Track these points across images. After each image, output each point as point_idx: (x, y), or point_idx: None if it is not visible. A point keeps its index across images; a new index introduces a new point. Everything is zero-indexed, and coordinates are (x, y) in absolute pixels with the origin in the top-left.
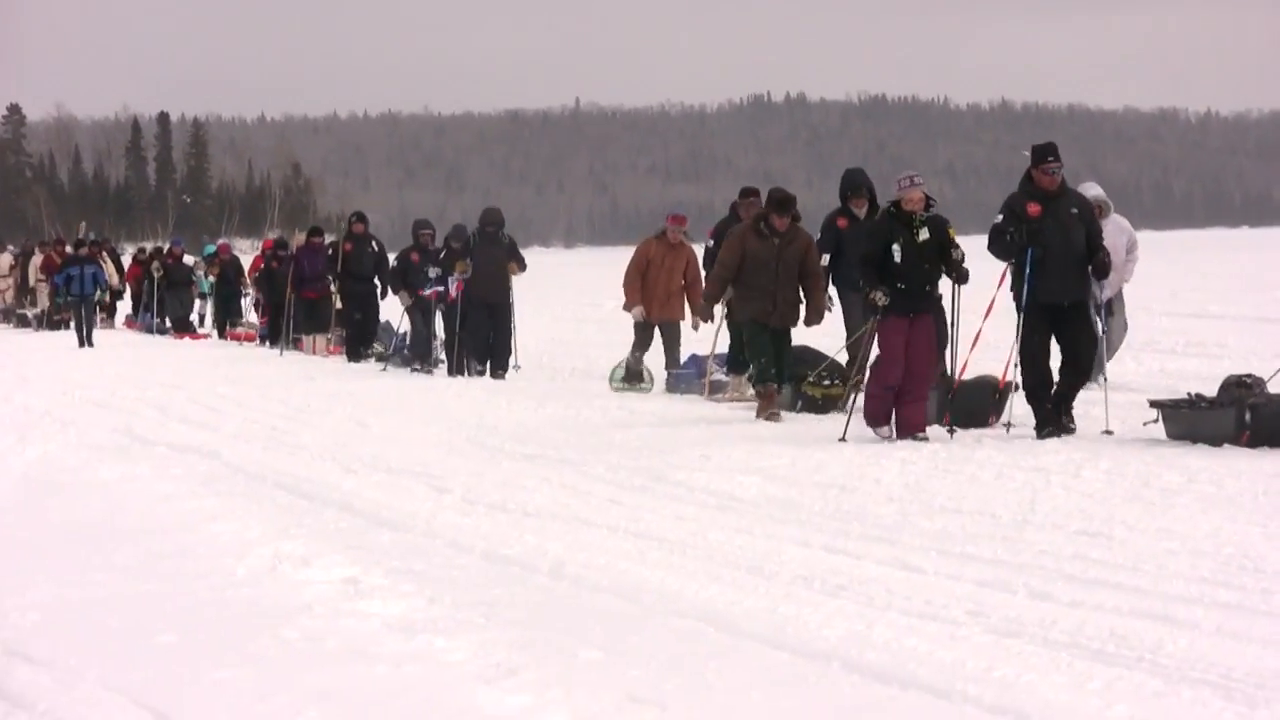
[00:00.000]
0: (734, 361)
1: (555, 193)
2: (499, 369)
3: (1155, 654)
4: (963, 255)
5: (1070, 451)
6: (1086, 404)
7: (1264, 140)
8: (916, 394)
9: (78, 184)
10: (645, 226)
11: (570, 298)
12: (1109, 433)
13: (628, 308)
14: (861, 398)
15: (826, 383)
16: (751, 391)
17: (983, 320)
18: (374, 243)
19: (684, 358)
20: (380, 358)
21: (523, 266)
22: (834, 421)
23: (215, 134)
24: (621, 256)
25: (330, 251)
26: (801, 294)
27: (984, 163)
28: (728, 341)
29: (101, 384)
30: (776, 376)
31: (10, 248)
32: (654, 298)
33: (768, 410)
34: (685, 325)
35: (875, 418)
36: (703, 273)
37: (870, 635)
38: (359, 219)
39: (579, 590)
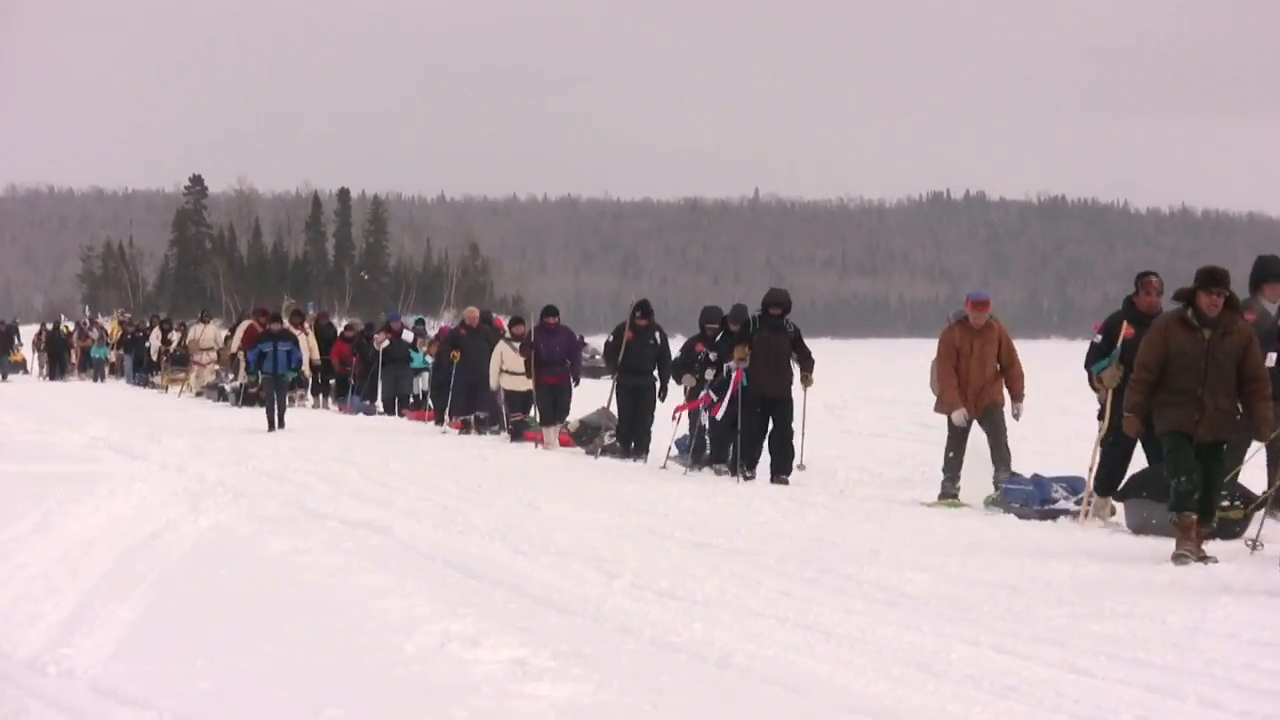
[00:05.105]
0: (1106, 482)
1: (731, 283)
2: (780, 473)
3: None
4: None
5: (1243, 562)
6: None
7: None
8: None
9: (256, 257)
10: (820, 319)
11: None
12: None
13: (945, 409)
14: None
15: (1225, 504)
16: (1111, 515)
17: None
18: (657, 334)
19: (1024, 472)
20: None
21: (810, 365)
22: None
23: (395, 212)
24: None
25: (610, 339)
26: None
27: (1163, 268)
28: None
29: (274, 456)
30: (1201, 504)
31: (203, 318)
32: (967, 390)
33: (1186, 547)
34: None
35: None
36: (1017, 363)
37: None
38: (644, 314)
39: (746, 681)
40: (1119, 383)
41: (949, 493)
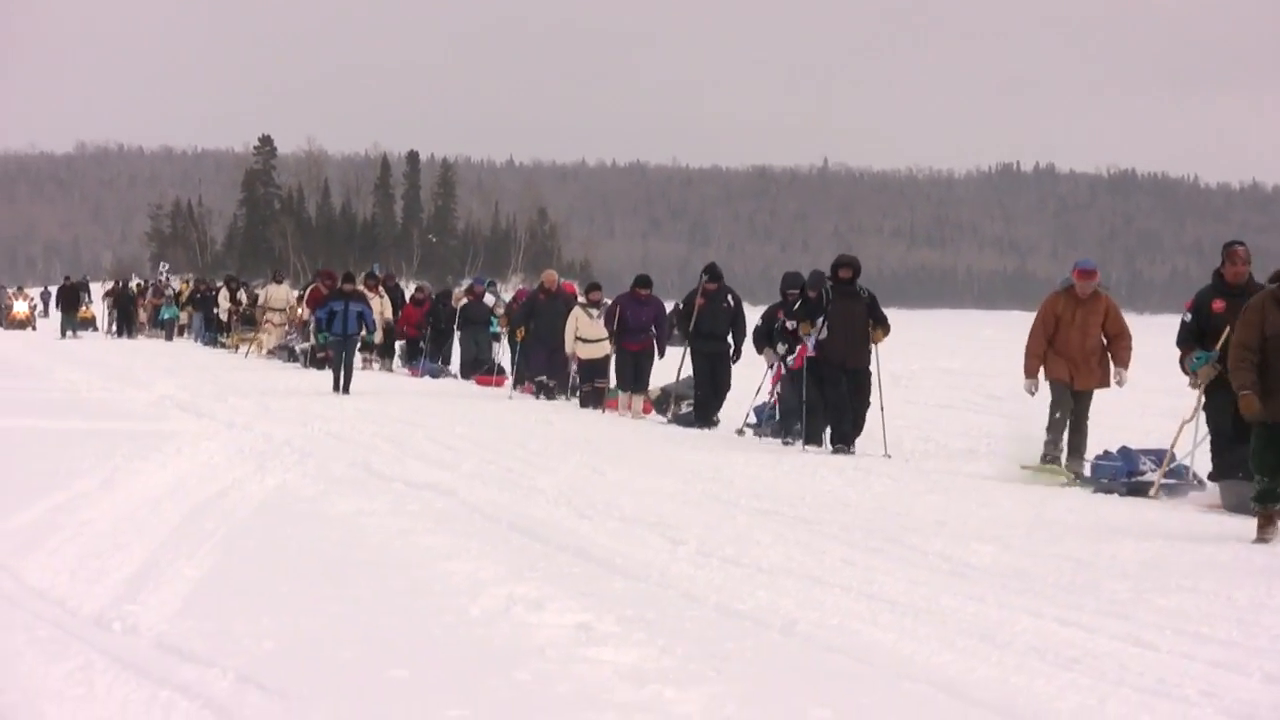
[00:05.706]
0: (1222, 468)
1: (799, 251)
2: (849, 444)
3: None
4: None
5: None
6: None
7: None
8: None
9: (325, 218)
10: (887, 288)
11: None
12: None
13: (1029, 375)
14: None
15: None
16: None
17: None
18: (729, 297)
19: (1113, 446)
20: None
21: (887, 329)
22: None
23: (463, 175)
24: None
25: (680, 307)
26: None
27: None
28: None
29: (341, 418)
30: None
31: (275, 278)
32: (1068, 360)
33: (1268, 533)
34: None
35: None
36: (1125, 332)
37: (1103, 710)
38: (712, 278)
39: (810, 648)
40: (1212, 379)
41: (1051, 455)
